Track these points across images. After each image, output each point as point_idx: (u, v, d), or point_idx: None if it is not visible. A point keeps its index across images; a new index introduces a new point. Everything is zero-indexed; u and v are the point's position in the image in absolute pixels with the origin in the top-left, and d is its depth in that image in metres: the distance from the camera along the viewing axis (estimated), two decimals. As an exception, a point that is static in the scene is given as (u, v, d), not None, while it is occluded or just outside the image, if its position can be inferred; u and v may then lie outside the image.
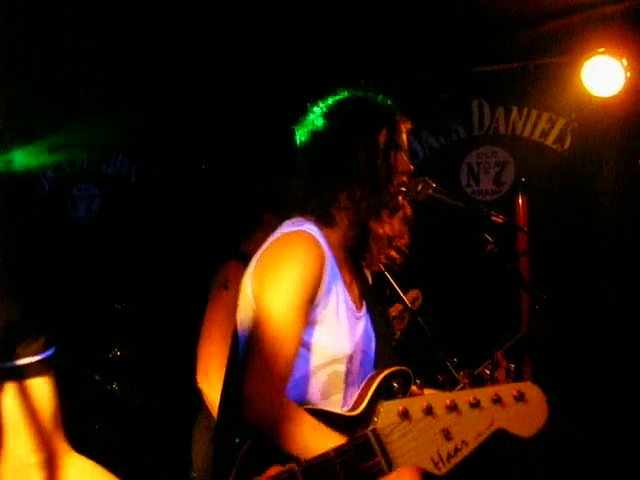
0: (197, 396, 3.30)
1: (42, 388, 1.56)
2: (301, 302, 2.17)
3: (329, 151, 2.38)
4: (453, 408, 1.81)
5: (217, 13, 4.40)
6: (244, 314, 2.29)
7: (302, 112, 2.49)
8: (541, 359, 3.23)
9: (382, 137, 2.40)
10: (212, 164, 5.44)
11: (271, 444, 2.08)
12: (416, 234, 2.49)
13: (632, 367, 4.32)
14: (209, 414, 3.22)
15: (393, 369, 2.35)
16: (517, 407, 1.85)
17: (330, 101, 2.48)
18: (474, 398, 1.83)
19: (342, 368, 2.29)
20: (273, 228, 2.39)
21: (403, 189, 2.46)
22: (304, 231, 2.27)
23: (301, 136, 2.47)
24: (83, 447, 1.64)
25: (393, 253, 2.43)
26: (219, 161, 5.36)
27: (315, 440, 2.08)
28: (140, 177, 5.97)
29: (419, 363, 2.71)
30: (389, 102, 2.50)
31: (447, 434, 1.81)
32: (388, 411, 1.80)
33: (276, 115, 4.73)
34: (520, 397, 1.86)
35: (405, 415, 1.79)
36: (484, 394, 1.84)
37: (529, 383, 1.90)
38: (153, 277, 5.49)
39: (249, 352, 2.15)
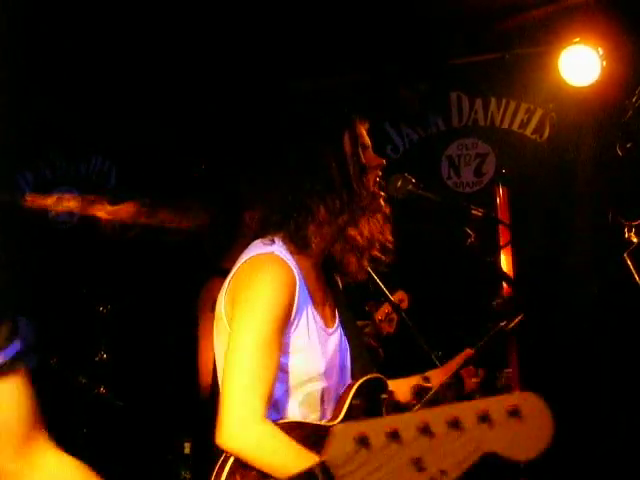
0: (182, 398, 3.28)
1: (11, 391, 1.49)
2: (274, 328, 2.15)
3: (299, 173, 2.33)
4: (426, 431, 1.41)
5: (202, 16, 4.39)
6: (220, 337, 2.28)
7: (270, 114, 2.47)
8: (524, 354, 3.24)
9: (346, 140, 2.36)
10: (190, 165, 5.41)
11: (250, 466, 2.07)
12: (396, 230, 2.48)
13: (614, 357, 4.34)
14: None
15: (367, 377, 2.35)
16: (510, 425, 1.44)
17: (283, 118, 2.46)
18: (453, 417, 1.43)
19: (317, 387, 2.28)
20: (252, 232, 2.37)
21: (381, 185, 2.45)
22: (273, 254, 2.24)
23: (262, 161, 2.46)
24: (70, 452, 1.62)
25: (377, 254, 2.40)
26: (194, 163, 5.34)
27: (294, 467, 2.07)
28: (120, 179, 5.94)
29: (405, 361, 2.71)
30: (341, 103, 2.48)
31: (419, 464, 1.41)
32: (342, 437, 1.39)
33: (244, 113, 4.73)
34: (514, 412, 1.44)
35: (363, 442, 1.39)
36: (466, 411, 1.44)
37: (527, 394, 1.48)
38: (137, 279, 5.46)
39: (226, 379, 2.13)
